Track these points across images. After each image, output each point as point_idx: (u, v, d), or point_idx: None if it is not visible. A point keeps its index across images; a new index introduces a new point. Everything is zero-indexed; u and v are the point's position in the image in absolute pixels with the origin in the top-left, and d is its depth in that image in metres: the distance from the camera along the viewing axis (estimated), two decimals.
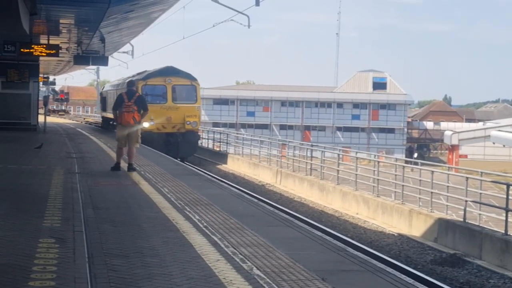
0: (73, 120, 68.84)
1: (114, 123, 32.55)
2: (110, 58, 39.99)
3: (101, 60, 31.78)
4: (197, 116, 31.87)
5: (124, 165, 17.24)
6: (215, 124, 76.83)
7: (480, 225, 16.43)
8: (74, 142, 28.22)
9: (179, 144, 31.01)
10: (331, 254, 8.48)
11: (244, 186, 24.73)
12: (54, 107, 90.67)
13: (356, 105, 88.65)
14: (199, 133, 33.25)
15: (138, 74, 34.77)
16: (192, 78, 32.20)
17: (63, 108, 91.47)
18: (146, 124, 28.79)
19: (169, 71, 32.10)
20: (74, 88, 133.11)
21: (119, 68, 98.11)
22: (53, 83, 72.90)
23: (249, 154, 33.36)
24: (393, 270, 7.93)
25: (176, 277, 6.81)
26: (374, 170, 21.59)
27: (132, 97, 16.82)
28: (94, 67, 75.36)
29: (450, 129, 78.23)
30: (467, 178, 17.02)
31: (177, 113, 31.11)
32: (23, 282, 6.33)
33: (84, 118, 74.98)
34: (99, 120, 51.97)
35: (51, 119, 59.47)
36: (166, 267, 7.21)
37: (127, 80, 19.44)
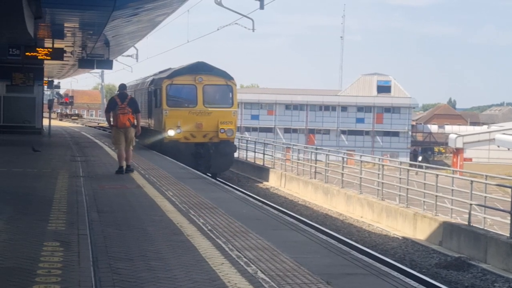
0: (85, 124, 65.52)
1: None
2: (114, 61, 40.03)
3: (106, 63, 31.82)
4: (233, 123, 26.66)
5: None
6: None
7: (485, 228, 16.39)
8: (79, 145, 28.25)
9: (211, 157, 26.08)
10: (336, 258, 8.47)
11: (249, 190, 24.73)
12: (67, 111, 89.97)
13: (360, 109, 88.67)
14: (235, 143, 28.07)
15: (161, 72, 30.48)
16: (228, 77, 27.00)
17: (77, 112, 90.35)
18: (171, 132, 25.70)
19: (199, 68, 26.93)
20: (79, 92, 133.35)
21: (123, 72, 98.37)
22: (58, 86, 73.08)
23: (253, 157, 33.29)
24: (398, 274, 7.92)
25: (180, 281, 6.81)
26: (378, 174, 21.57)
27: (124, 100, 17.14)
28: (99, 70, 75.58)
29: (455, 132, 78.07)
30: (471, 181, 17.00)
31: (209, 119, 26.14)
32: (27, 285, 6.34)
33: (98, 123, 69.73)
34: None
35: (62, 124, 59.57)
36: (171, 271, 7.21)
37: (119, 84, 18.89)
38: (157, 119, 27.29)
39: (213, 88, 26.89)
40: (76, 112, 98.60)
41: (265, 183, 28.67)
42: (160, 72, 30.50)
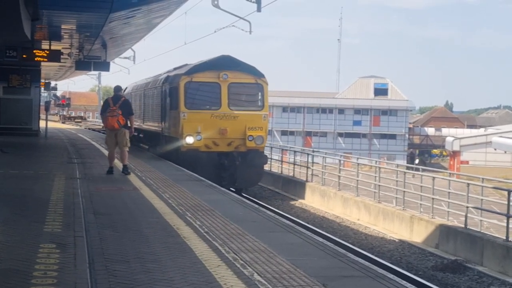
0: (88, 127, 61.88)
1: (140, 135, 30.99)
2: (111, 63, 40.00)
3: (103, 65, 31.79)
4: (264, 129, 22.73)
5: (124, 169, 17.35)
6: None
7: (481, 231, 16.42)
8: (75, 147, 28.21)
9: (237, 169, 22.29)
10: (332, 260, 8.47)
11: (244, 192, 24.70)
12: (70, 114, 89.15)
13: (357, 111, 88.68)
14: (266, 153, 23.84)
15: (176, 68, 26.52)
16: (258, 74, 22.99)
17: (73, 114, 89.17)
18: (190, 139, 22.00)
19: (224, 63, 22.86)
20: (76, 94, 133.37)
21: (121, 74, 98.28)
22: (55, 88, 72.94)
23: None
24: (394, 276, 7.92)
25: (176, 283, 6.81)
26: (375, 176, 21.58)
27: (117, 102, 17.46)
28: (96, 72, 75.39)
29: (452, 135, 78.21)
30: (468, 184, 17.01)
31: (235, 124, 22.24)
32: (24, 287, 6.33)
33: (103, 126, 66.22)
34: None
35: (60, 126, 59.34)
36: (167, 273, 7.21)
37: (115, 86, 18.75)
38: (173, 124, 23.43)
39: (240, 87, 22.94)
40: (73, 114, 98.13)
41: (262, 185, 28.65)
42: (176, 69, 26.45)
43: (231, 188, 20.74)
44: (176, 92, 22.82)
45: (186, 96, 22.38)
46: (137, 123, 30.33)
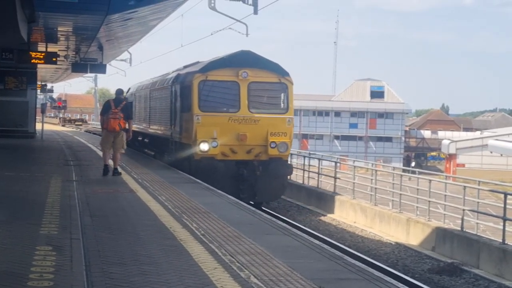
0: (89, 130, 58.73)
1: (145, 140, 30.50)
2: (108, 65, 39.97)
3: (99, 67, 31.80)
4: (288, 135, 20.10)
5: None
6: None
7: (478, 234, 16.44)
8: (72, 149, 28.17)
9: (257, 180, 19.83)
10: (329, 263, 8.47)
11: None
12: (70, 116, 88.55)
13: (353, 114, 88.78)
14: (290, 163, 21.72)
15: (187, 66, 23.88)
16: (282, 72, 20.34)
17: (79, 117, 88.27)
18: (204, 146, 19.50)
19: (244, 59, 20.12)
20: (72, 96, 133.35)
21: (117, 76, 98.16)
22: (51, 90, 72.88)
23: None
24: (390, 279, 7.92)
25: (173, 285, 6.80)
26: (371, 179, 21.58)
27: (118, 105, 17.58)
28: (92, 74, 75.43)
29: (448, 138, 78.25)
30: (464, 187, 17.04)
31: (256, 128, 19.72)
32: None
33: None
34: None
35: (56, 128, 59.18)
36: (163, 275, 7.20)
37: (117, 89, 18.57)
38: (185, 128, 20.90)
39: (262, 86, 20.33)
40: (69, 116, 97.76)
41: None
42: (186, 66, 23.89)
43: (251, 202, 18.76)
44: (188, 92, 20.28)
45: (200, 97, 19.89)
46: (141, 127, 29.81)
